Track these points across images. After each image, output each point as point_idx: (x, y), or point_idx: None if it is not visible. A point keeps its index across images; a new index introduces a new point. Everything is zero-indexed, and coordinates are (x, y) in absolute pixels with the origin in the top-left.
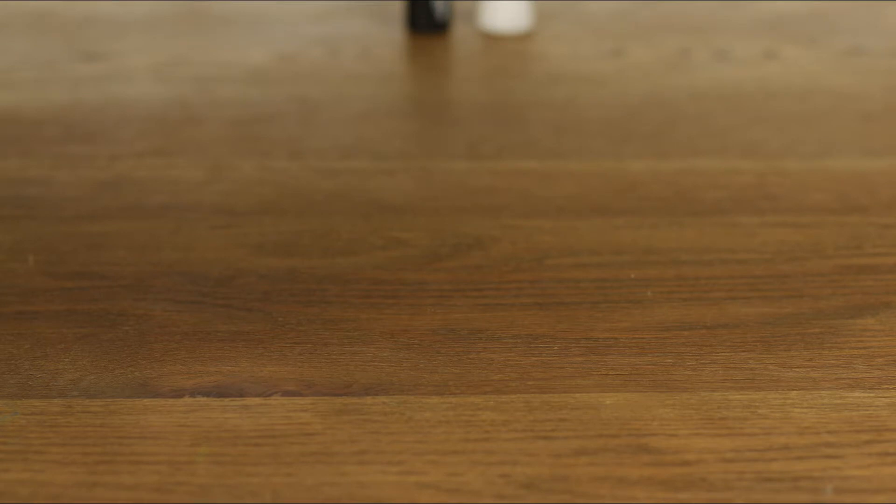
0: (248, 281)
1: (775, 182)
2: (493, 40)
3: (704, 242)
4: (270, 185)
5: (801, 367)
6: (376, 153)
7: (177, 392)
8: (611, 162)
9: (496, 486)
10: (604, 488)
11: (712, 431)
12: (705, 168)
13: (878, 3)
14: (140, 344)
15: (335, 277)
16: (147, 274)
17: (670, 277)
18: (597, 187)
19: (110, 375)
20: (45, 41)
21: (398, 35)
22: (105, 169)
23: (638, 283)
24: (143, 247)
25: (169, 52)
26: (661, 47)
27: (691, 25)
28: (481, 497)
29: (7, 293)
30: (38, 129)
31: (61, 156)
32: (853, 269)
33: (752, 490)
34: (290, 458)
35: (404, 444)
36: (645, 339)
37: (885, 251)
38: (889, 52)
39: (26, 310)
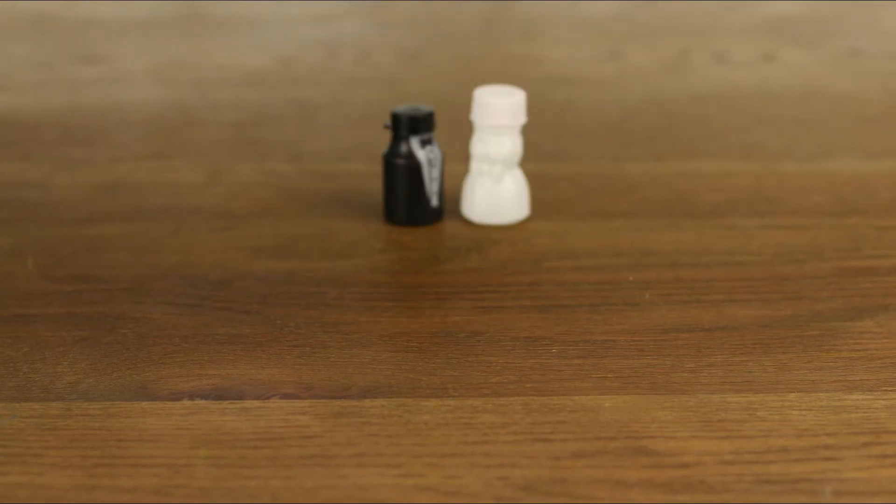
0: (247, 284)
1: (774, 184)
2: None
3: (703, 245)
4: (269, 187)
5: (799, 369)
6: (375, 156)
7: (175, 395)
8: (609, 164)
9: (495, 489)
10: (602, 490)
11: (711, 434)
12: (704, 170)
13: (877, 5)
14: (139, 347)
15: (334, 280)
16: (146, 277)
17: (668, 280)
18: (595, 190)
19: (109, 378)
20: (44, 44)
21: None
22: (104, 172)
23: (636, 285)
24: (142, 250)
25: (168, 55)
26: (659, 49)
27: (690, 27)
28: (480, 499)
29: (6, 296)
30: (37, 131)
31: (60, 159)
32: (851, 271)
33: (750, 492)
34: (289, 461)
35: (403, 446)
36: (643, 341)
37: (884, 253)
38: (887, 54)
39: (25, 313)
